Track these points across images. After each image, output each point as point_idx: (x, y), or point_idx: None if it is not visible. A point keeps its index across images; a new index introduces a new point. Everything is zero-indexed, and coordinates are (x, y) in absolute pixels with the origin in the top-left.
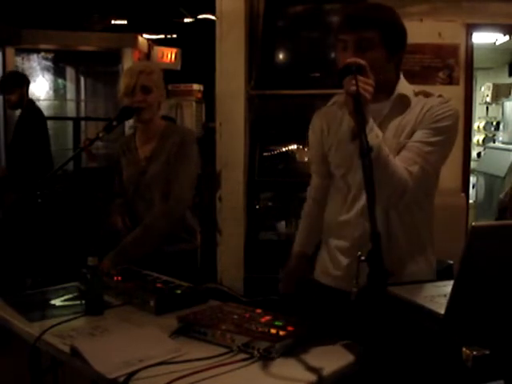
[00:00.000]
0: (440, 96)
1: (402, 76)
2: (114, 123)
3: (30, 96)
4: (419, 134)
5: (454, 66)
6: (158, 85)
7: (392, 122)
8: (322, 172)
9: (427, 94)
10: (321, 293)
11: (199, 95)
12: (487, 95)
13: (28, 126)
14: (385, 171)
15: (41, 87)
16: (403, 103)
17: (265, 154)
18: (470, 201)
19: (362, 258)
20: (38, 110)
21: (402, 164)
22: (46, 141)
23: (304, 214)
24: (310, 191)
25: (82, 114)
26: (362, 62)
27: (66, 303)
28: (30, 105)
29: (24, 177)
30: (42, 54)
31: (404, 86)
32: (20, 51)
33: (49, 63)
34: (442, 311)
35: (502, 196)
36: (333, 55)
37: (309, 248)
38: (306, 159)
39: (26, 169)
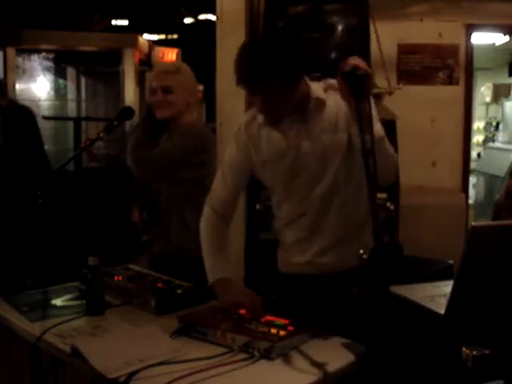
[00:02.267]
0: None
1: (308, 81)
2: (115, 123)
3: (31, 96)
4: None
5: (454, 66)
6: (183, 85)
7: (318, 124)
8: (234, 182)
9: (334, 86)
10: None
11: (200, 95)
12: (487, 95)
13: (14, 128)
14: (389, 153)
15: (41, 87)
16: (320, 105)
17: None
18: (470, 201)
19: (365, 256)
20: (20, 110)
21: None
22: (37, 139)
23: (209, 230)
24: (210, 200)
25: (83, 114)
26: (363, 65)
27: (67, 303)
28: (12, 106)
29: (21, 179)
30: (43, 54)
31: (315, 89)
32: (21, 51)
33: (49, 63)
34: (442, 311)
35: (497, 196)
36: (333, 55)
37: (230, 272)
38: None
39: (21, 171)
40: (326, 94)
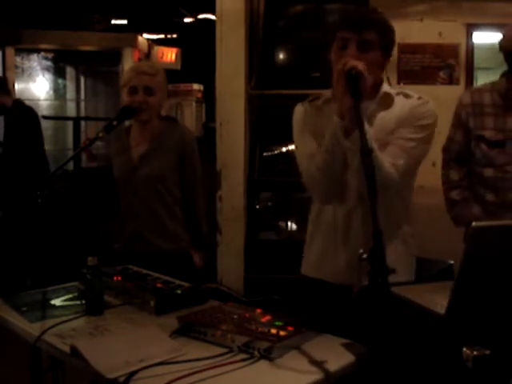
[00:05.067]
0: (420, 98)
1: (383, 79)
2: (114, 123)
3: (30, 96)
4: (403, 131)
5: (454, 66)
6: (161, 87)
7: (376, 119)
8: None
9: (407, 95)
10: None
11: (199, 95)
12: None
13: (19, 128)
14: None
15: (41, 87)
16: (387, 101)
17: (265, 154)
18: None
19: (364, 256)
20: (26, 111)
21: (389, 158)
22: (39, 141)
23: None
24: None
25: (82, 114)
26: (361, 67)
27: (66, 303)
28: (17, 106)
29: (21, 179)
30: (42, 53)
31: (386, 87)
32: (20, 51)
33: (49, 63)
34: (443, 311)
35: None
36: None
37: None
38: (299, 161)
39: (21, 172)
40: (397, 97)
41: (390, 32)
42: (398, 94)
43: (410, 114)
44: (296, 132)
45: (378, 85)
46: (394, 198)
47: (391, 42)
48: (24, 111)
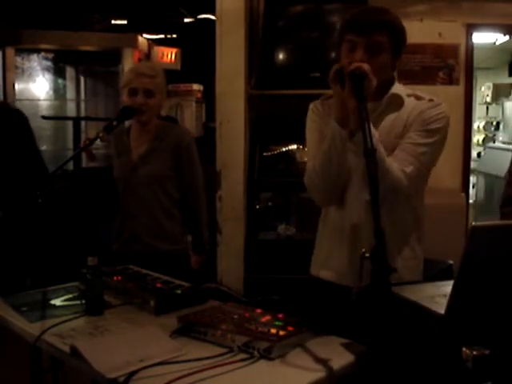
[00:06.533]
0: (431, 100)
1: (396, 78)
2: (114, 123)
3: (30, 96)
4: (412, 136)
5: (454, 66)
6: (160, 89)
7: (385, 121)
8: None
9: (418, 97)
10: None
11: (199, 95)
12: (487, 95)
13: (7, 131)
14: (380, 168)
15: (41, 87)
16: (396, 102)
17: (265, 154)
18: (470, 201)
19: (366, 255)
20: (13, 113)
21: (397, 164)
22: (30, 142)
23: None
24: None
25: (82, 114)
26: (366, 68)
27: (66, 303)
28: (4, 109)
29: (18, 180)
30: (42, 53)
31: (397, 88)
32: (20, 51)
33: (49, 63)
34: (442, 311)
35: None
36: (333, 55)
37: None
38: (306, 159)
39: (17, 173)
40: (408, 99)
41: (400, 32)
42: (409, 95)
43: (420, 117)
44: (306, 130)
45: (386, 85)
46: (405, 206)
47: (402, 42)
48: (10, 114)
